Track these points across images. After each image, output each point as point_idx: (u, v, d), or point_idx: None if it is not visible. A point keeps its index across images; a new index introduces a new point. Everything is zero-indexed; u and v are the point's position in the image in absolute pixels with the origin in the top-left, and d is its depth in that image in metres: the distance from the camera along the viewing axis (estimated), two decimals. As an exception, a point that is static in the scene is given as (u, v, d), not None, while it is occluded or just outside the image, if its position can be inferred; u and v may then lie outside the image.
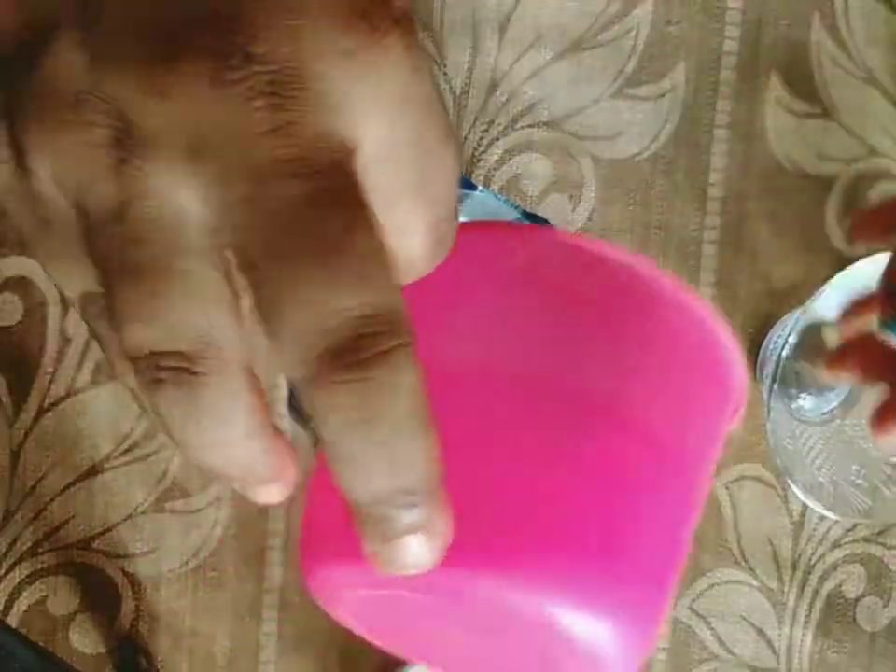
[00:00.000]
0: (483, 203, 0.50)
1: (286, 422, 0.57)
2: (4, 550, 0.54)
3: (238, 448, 0.22)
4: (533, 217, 0.50)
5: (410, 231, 0.23)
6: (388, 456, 0.21)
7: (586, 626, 0.26)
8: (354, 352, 0.21)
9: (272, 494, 0.24)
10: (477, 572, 0.26)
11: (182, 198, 0.22)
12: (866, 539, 0.60)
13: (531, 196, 0.57)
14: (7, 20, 0.23)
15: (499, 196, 0.49)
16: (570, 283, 0.29)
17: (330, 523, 0.28)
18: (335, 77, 0.21)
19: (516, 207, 0.50)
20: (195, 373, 0.22)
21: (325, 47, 0.21)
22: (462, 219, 0.53)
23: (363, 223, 0.21)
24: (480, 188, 0.49)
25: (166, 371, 0.22)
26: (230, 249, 0.22)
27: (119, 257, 0.22)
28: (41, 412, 0.54)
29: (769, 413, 0.52)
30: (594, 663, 0.27)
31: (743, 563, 0.60)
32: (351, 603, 0.28)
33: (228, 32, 0.21)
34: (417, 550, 0.22)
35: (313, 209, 0.21)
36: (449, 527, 0.22)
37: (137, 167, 0.22)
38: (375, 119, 0.22)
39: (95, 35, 0.22)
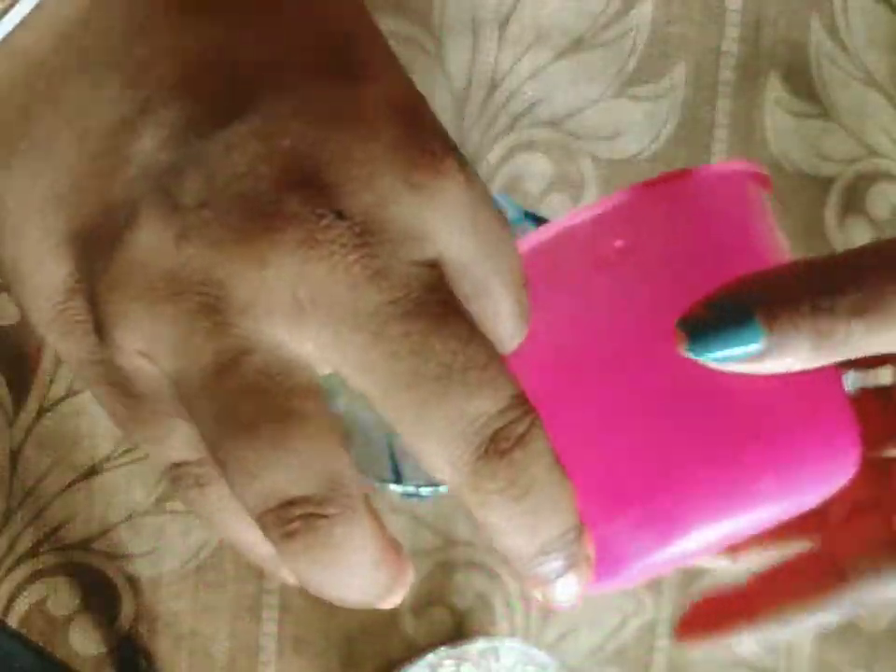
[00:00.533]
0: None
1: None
2: (4, 550, 0.54)
3: (368, 578, 0.26)
4: (537, 220, 0.50)
5: (502, 316, 0.26)
6: (533, 518, 0.24)
7: None
8: (496, 443, 0.23)
9: (393, 601, 0.27)
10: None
11: (292, 349, 0.23)
12: (867, 539, 0.60)
13: (531, 196, 0.57)
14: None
15: (505, 197, 0.49)
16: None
17: None
18: (413, 210, 0.24)
19: (517, 207, 0.50)
20: (326, 516, 0.24)
21: (398, 186, 0.24)
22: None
23: (473, 333, 0.24)
24: (495, 194, 0.49)
25: (299, 519, 0.23)
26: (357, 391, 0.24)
27: (232, 412, 0.23)
28: (41, 412, 0.54)
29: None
30: None
31: (744, 563, 0.60)
32: None
33: (313, 195, 0.23)
34: (571, 586, 0.25)
35: (427, 336, 0.23)
36: (592, 552, 0.26)
37: (241, 328, 0.22)
38: (454, 234, 0.24)
39: (181, 210, 0.22)
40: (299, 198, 0.22)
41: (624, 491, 0.30)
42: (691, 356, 0.28)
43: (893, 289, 0.27)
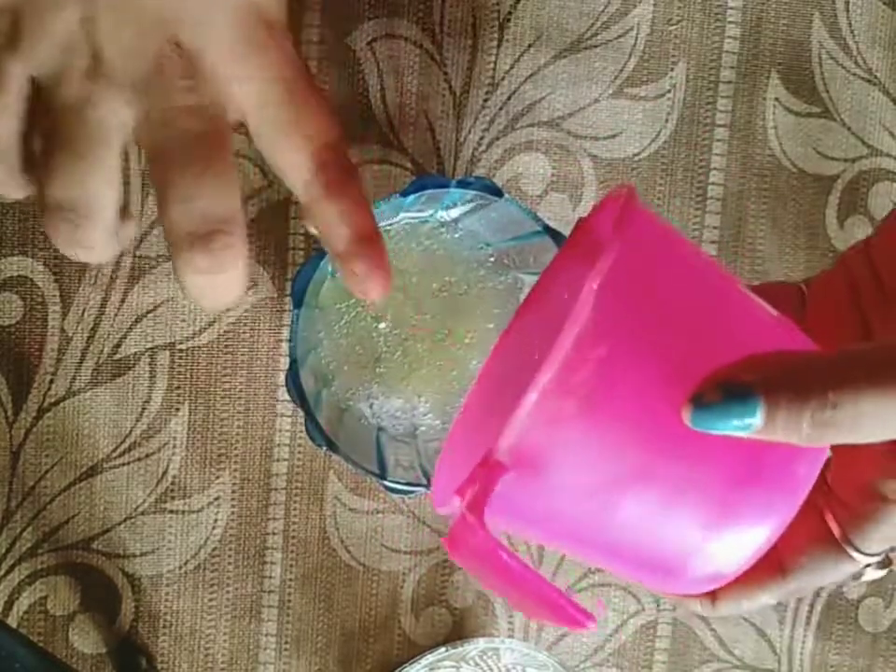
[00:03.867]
0: (504, 212, 0.50)
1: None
2: (3, 550, 0.54)
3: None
4: (554, 233, 0.49)
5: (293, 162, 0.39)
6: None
7: None
8: None
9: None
10: None
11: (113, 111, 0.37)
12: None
13: (531, 196, 0.57)
14: None
15: (522, 206, 0.49)
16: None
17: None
18: (231, 69, 0.37)
19: (538, 220, 0.49)
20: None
21: (228, 47, 0.38)
22: (480, 225, 0.52)
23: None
24: (506, 196, 0.49)
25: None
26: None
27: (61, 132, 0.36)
28: (41, 411, 0.54)
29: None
30: None
31: (744, 563, 0.60)
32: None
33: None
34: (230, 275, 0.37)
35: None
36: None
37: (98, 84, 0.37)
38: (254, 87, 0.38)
39: None
40: None
41: None
42: (693, 426, 0.32)
43: (868, 403, 0.30)
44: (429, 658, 0.57)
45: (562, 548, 0.40)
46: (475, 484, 0.32)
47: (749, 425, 0.31)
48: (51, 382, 0.54)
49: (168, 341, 0.55)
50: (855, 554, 0.37)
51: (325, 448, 0.48)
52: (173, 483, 0.55)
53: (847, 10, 0.58)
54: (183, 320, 0.55)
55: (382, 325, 0.53)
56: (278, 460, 0.56)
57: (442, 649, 0.57)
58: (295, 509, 0.57)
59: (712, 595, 0.40)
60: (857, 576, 0.39)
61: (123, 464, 0.55)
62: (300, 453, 0.56)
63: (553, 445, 0.32)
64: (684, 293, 0.35)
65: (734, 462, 0.33)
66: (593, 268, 0.32)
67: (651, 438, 0.33)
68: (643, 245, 0.35)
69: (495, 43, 0.56)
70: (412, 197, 0.47)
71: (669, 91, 0.57)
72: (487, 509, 0.32)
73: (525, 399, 0.31)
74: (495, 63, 0.56)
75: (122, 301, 0.54)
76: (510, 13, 0.56)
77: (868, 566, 0.38)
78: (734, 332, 0.35)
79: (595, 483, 0.33)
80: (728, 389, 0.31)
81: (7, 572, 0.55)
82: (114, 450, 0.55)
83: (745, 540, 0.34)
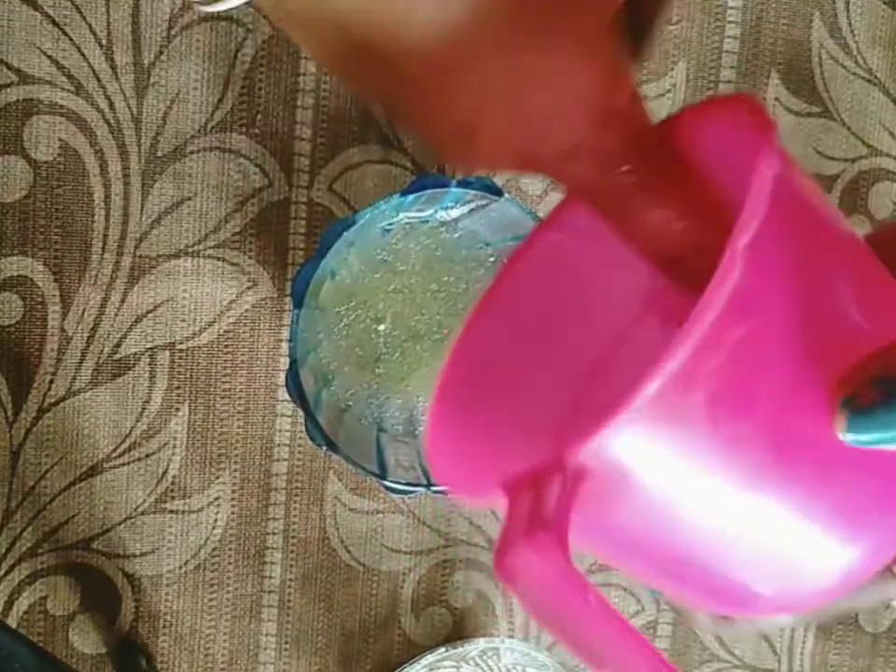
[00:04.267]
0: (504, 211, 0.50)
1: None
2: (3, 550, 0.54)
3: None
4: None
5: None
6: None
7: None
8: None
9: None
10: None
11: None
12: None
13: (531, 196, 0.57)
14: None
15: (522, 206, 0.49)
16: None
17: None
18: None
19: (538, 220, 0.49)
20: None
21: None
22: (480, 225, 0.52)
23: None
24: (506, 195, 0.49)
25: None
26: None
27: None
28: (41, 411, 0.54)
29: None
30: None
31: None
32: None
33: None
34: None
35: None
36: None
37: None
38: None
39: None
40: None
41: None
42: (848, 439, 0.24)
43: None
44: (429, 658, 0.57)
45: (609, 560, 0.32)
46: (546, 492, 0.24)
47: None
48: (51, 382, 0.54)
49: (168, 341, 0.55)
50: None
51: (325, 448, 0.48)
52: (173, 483, 0.55)
53: (848, 10, 0.58)
54: (183, 320, 0.55)
55: (381, 326, 0.53)
56: (278, 460, 0.56)
57: (442, 649, 0.57)
58: (295, 509, 0.57)
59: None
60: (889, 601, 0.36)
61: (123, 464, 0.55)
62: (300, 453, 0.56)
63: (659, 454, 0.25)
64: (834, 263, 0.27)
65: (880, 484, 0.26)
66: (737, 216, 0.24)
67: (797, 451, 0.25)
68: (790, 195, 0.26)
69: (495, 43, 0.56)
70: (412, 197, 0.47)
71: (669, 91, 0.57)
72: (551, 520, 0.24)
73: (636, 391, 0.23)
74: (495, 62, 0.56)
75: (122, 300, 0.54)
76: (510, 13, 0.56)
77: None
78: (884, 313, 0.27)
79: (702, 504, 0.26)
80: (890, 386, 0.23)
81: (7, 572, 0.55)
82: (114, 450, 0.55)
83: (851, 577, 0.28)
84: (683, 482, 0.25)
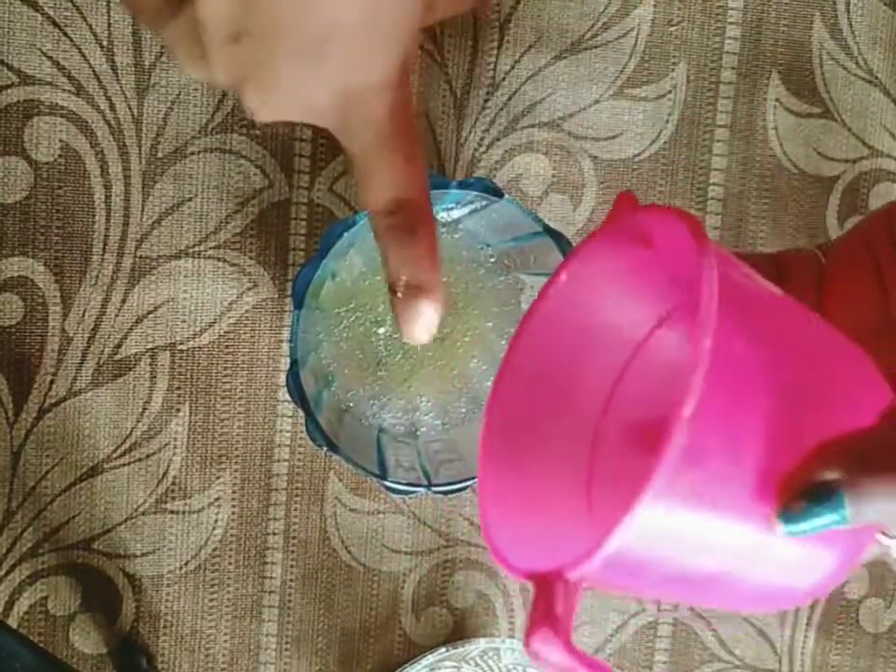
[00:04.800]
0: (505, 212, 0.50)
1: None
2: (4, 550, 0.54)
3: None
4: (554, 234, 0.49)
5: None
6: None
7: None
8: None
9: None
10: None
11: None
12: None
13: (531, 196, 0.57)
14: None
15: (523, 207, 0.49)
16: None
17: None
18: None
19: (538, 221, 0.49)
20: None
21: None
22: (481, 226, 0.52)
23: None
24: (507, 196, 0.49)
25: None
26: None
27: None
28: (41, 412, 0.54)
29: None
30: None
31: (744, 564, 0.60)
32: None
33: None
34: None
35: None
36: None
37: None
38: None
39: None
40: None
41: None
42: (786, 535, 0.31)
43: None
44: (430, 658, 0.57)
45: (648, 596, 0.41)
46: (555, 593, 0.31)
47: (839, 521, 0.31)
48: (52, 382, 0.54)
49: (169, 341, 0.55)
50: (880, 537, 0.37)
51: (325, 449, 0.48)
52: (173, 484, 0.55)
53: (848, 11, 0.58)
54: (183, 321, 0.55)
55: (381, 329, 0.53)
56: (279, 461, 0.56)
57: (443, 649, 0.57)
58: (295, 509, 0.57)
59: None
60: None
61: (124, 464, 0.55)
62: (300, 453, 0.56)
63: (647, 560, 0.31)
64: (784, 352, 0.33)
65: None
66: (697, 314, 0.30)
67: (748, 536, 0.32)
68: (732, 290, 0.32)
69: (495, 44, 0.56)
70: (412, 198, 0.47)
71: (670, 92, 0.57)
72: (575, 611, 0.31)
73: (638, 498, 0.29)
74: (495, 63, 0.56)
75: (123, 301, 0.54)
76: (510, 14, 0.56)
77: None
78: (838, 393, 0.33)
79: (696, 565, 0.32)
80: (812, 496, 0.31)
81: (8, 572, 0.55)
82: (114, 450, 0.55)
83: (839, 572, 0.35)
84: (672, 568, 0.32)
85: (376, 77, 0.33)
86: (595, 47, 0.57)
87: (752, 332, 0.32)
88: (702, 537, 0.31)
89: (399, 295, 0.37)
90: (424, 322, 0.37)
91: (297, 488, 0.56)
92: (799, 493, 0.31)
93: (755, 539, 0.32)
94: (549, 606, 0.31)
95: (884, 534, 0.37)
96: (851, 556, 0.35)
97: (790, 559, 0.34)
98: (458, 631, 0.59)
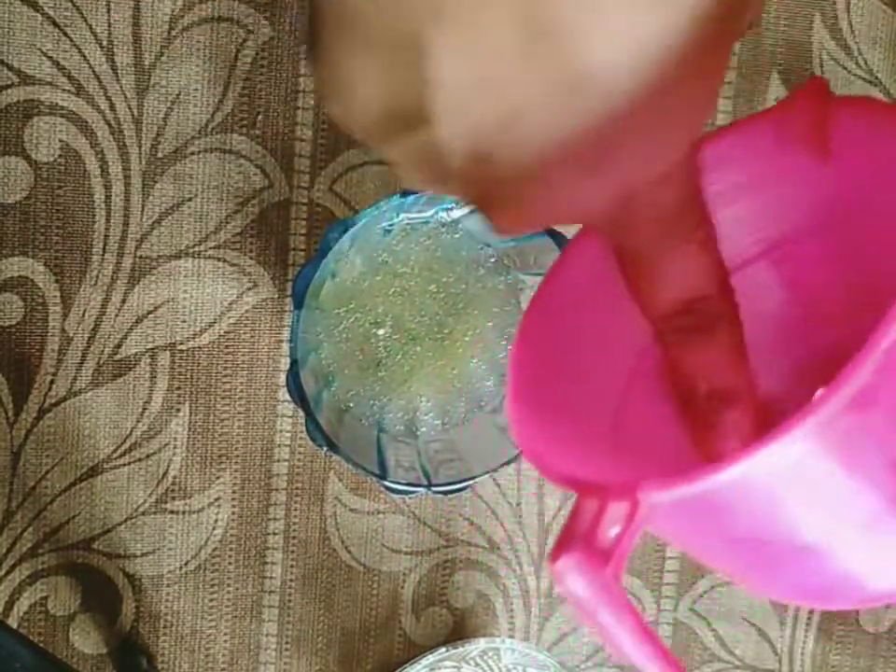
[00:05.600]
0: None
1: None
2: (4, 550, 0.54)
3: None
4: (554, 234, 0.49)
5: None
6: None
7: None
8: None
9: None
10: None
11: None
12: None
13: (532, 196, 0.57)
14: None
15: None
16: None
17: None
18: None
19: None
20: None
21: None
22: (481, 226, 0.52)
23: None
24: None
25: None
26: None
27: None
28: (42, 412, 0.54)
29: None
30: None
31: (744, 564, 0.60)
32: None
33: None
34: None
35: None
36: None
37: None
38: None
39: None
40: None
41: None
42: None
43: None
44: (430, 658, 0.57)
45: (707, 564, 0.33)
46: (613, 515, 0.26)
47: None
48: (52, 382, 0.54)
49: (169, 341, 0.55)
50: None
51: (325, 449, 0.49)
52: (173, 484, 0.55)
53: (848, 11, 0.58)
54: (183, 321, 0.55)
55: (381, 331, 0.53)
56: (279, 460, 0.56)
57: (443, 649, 0.57)
58: (295, 509, 0.57)
59: None
60: None
61: (124, 464, 0.55)
62: (300, 453, 0.56)
63: (738, 510, 0.26)
64: None
65: None
66: None
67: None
68: None
69: (495, 44, 0.56)
70: (412, 197, 0.47)
71: (670, 92, 0.57)
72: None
73: (729, 464, 0.24)
74: (495, 63, 0.56)
75: (123, 301, 0.54)
76: (510, 14, 0.56)
77: None
78: None
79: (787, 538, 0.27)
80: None
81: (8, 572, 0.55)
82: (114, 450, 0.55)
83: None
84: (760, 530, 0.27)
85: (668, 164, 0.26)
86: (595, 47, 0.57)
87: None
88: (824, 496, 0.26)
89: (699, 406, 0.29)
90: (735, 434, 0.29)
91: (297, 488, 0.56)
92: None
93: (884, 514, 0.27)
94: (599, 529, 0.25)
95: None
96: None
97: None
98: (458, 631, 0.59)
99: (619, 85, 0.22)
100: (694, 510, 0.26)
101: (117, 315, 0.54)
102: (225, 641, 0.57)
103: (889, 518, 0.27)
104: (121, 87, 0.53)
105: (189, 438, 0.55)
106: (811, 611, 0.61)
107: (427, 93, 0.23)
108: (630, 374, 0.34)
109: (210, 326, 0.55)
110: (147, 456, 0.55)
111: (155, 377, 0.55)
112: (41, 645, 0.53)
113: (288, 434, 0.56)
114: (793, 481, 0.25)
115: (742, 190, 0.33)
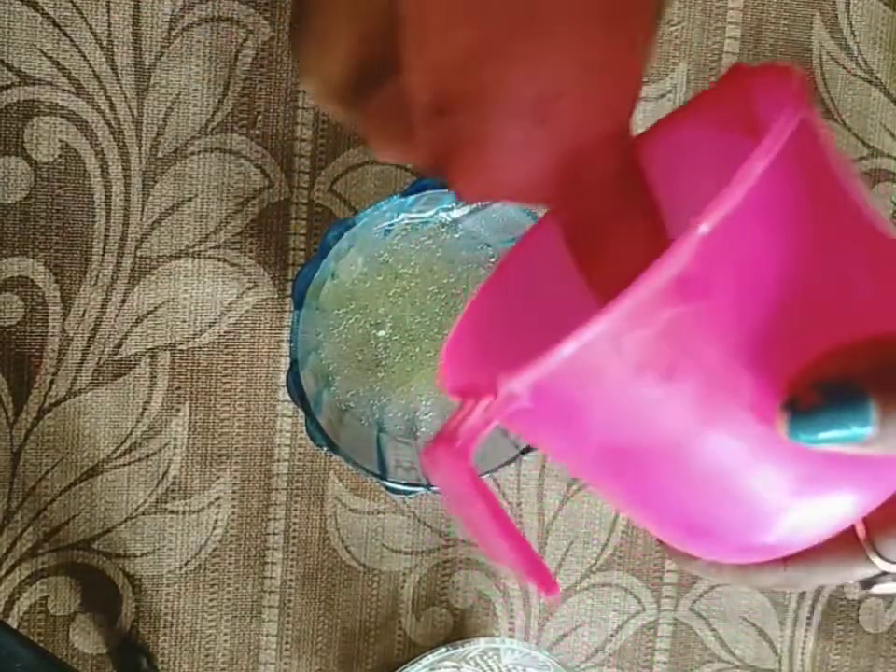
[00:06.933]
0: (505, 212, 0.50)
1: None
2: (4, 550, 0.54)
3: None
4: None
5: None
6: None
7: None
8: None
9: None
10: None
11: None
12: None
13: (532, 196, 0.57)
14: None
15: (523, 206, 0.49)
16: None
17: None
18: None
19: (538, 220, 0.49)
20: None
21: None
22: (481, 226, 0.52)
23: None
24: None
25: None
26: None
27: None
28: (42, 412, 0.54)
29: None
30: None
31: (744, 564, 0.60)
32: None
33: None
34: None
35: None
36: None
37: None
38: None
39: None
40: None
41: None
42: (790, 438, 0.25)
43: None
44: (430, 658, 0.57)
45: (588, 482, 0.34)
46: (476, 407, 0.27)
47: (860, 435, 0.24)
48: (52, 382, 0.54)
49: (169, 341, 0.55)
50: (875, 559, 0.33)
51: (325, 449, 0.49)
52: (173, 484, 0.55)
53: (848, 11, 0.58)
54: (184, 321, 0.55)
55: (381, 332, 0.53)
56: (279, 460, 0.56)
57: (443, 649, 0.57)
58: (295, 509, 0.57)
59: (717, 564, 0.35)
60: (869, 584, 0.35)
61: (124, 464, 0.55)
62: (300, 453, 0.56)
63: (591, 400, 0.26)
64: (834, 247, 0.27)
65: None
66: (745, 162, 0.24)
67: (725, 428, 0.26)
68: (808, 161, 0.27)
69: (495, 44, 0.56)
70: (412, 198, 0.47)
71: (670, 92, 0.57)
72: (488, 433, 0.27)
73: (568, 340, 0.24)
74: (495, 63, 0.56)
75: (123, 301, 0.54)
76: (510, 14, 0.56)
77: (886, 574, 0.34)
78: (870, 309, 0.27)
79: (642, 446, 0.27)
80: (830, 390, 0.24)
81: (8, 572, 0.55)
82: (115, 450, 0.55)
83: (823, 515, 0.28)
84: (617, 427, 0.27)
85: (613, 124, 0.27)
86: (595, 47, 0.57)
87: (810, 197, 0.26)
88: (669, 390, 0.26)
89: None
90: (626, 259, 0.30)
91: (297, 488, 0.56)
92: (816, 386, 0.24)
93: (737, 424, 0.26)
94: (462, 419, 0.27)
95: (881, 556, 0.33)
96: (851, 514, 0.28)
97: (775, 475, 0.27)
98: (458, 631, 0.59)
99: (555, 19, 0.25)
100: (551, 405, 0.27)
101: (117, 315, 0.54)
102: (225, 641, 0.57)
103: (756, 429, 0.26)
104: (121, 87, 0.53)
105: (189, 438, 0.55)
106: (811, 611, 0.61)
107: (398, 32, 0.25)
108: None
109: (210, 326, 0.55)
110: (147, 456, 0.55)
111: (155, 377, 0.55)
112: (41, 645, 0.53)
113: (288, 434, 0.56)
114: (627, 371, 0.25)
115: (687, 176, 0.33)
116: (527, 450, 0.50)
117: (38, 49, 0.53)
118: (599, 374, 0.26)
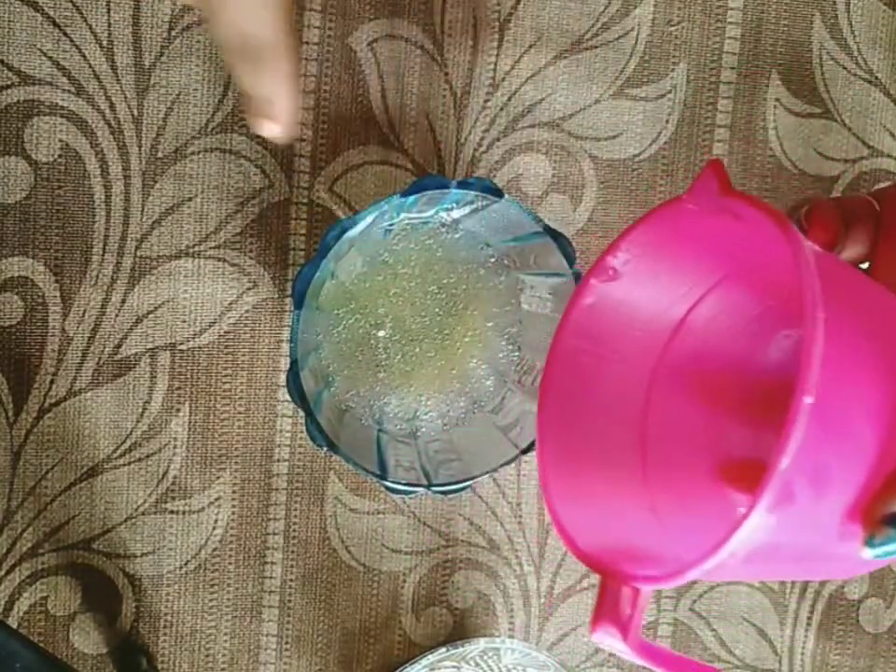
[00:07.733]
0: (505, 212, 0.50)
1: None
2: (4, 550, 0.54)
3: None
4: (554, 234, 0.49)
5: None
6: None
7: None
8: None
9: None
10: None
11: None
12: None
13: (531, 197, 0.57)
14: None
15: (523, 207, 0.49)
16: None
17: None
18: None
19: (538, 221, 0.49)
20: None
21: None
22: (481, 226, 0.52)
23: None
24: (507, 196, 0.49)
25: None
26: None
27: None
28: (42, 412, 0.54)
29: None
30: None
31: (744, 564, 0.60)
32: None
33: None
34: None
35: None
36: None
37: None
38: None
39: None
40: None
41: None
42: (871, 559, 0.34)
43: None
44: (430, 658, 0.57)
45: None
46: (623, 596, 0.34)
47: None
48: (52, 382, 0.54)
49: (169, 341, 0.55)
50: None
51: (325, 449, 0.49)
52: (173, 484, 0.55)
53: (848, 11, 0.58)
54: (184, 321, 0.55)
55: (381, 333, 0.53)
56: (279, 460, 0.56)
57: (443, 649, 0.57)
58: (295, 509, 0.57)
59: None
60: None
61: (124, 464, 0.55)
62: (300, 453, 0.56)
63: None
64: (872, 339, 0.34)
65: None
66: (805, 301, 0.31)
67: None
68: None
69: (495, 44, 0.56)
70: (412, 198, 0.47)
71: (670, 92, 0.57)
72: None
73: (733, 531, 0.31)
74: (495, 63, 0.56)
75: (123, 301, 0.54)
76: (510, 14, 0.56)
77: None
78: None
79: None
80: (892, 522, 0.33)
81: (8, 572, 0.55)
82: (114, 450, 0.55)
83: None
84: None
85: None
86: (595, 47, 0.57)
87: (853, 326, 0.33)
88: (778, 563, 0.34)
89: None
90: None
91: (297, 488, 0.57)
92: (886, 520, 0.33)
93: (832, 554, 0.34)
94: (615, 602, 0.34)
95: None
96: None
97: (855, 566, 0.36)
98: (458, 631, 0.59)
99: None
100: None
101: (117, 315, 0.54)
102: (225, 641, 0.57)
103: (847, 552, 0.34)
104: (121, 87, 0.53)
105: (189, 438, 0.55)
106: (811, 611, 0.61)
107: None
108: (646, 393, 0.42)
109: (210, 326, 0.55)
110: (147, 456, 0.55)
111: (155, 377, 0.55)
112: (41, 645, 0.53)
113: (288, 434, 0.56)
114: (750, 558, 0.32)
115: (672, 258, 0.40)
116: (527, 450, 0.51)
117: (38, 48, 0.53)
118: (725, 568, 0.32)
